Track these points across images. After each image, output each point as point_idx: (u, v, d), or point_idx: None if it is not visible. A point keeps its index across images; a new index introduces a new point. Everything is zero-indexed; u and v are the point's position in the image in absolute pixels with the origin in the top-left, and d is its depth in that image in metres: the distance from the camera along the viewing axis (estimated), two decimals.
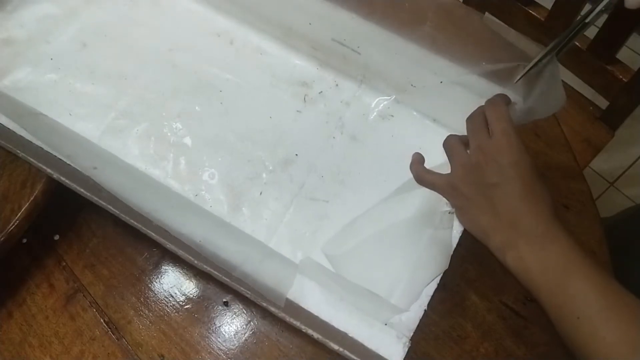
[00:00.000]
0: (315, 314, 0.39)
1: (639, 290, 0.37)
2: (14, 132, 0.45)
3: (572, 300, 0.36)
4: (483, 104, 0.46)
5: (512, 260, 0.39)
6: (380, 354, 0.38)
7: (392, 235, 0.48)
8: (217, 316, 0.49)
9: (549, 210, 0.39)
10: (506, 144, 0.40)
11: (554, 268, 0.37)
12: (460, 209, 0.43)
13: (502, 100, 0.43)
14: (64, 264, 0.51)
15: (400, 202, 0.48)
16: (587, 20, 0.41)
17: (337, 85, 0.59)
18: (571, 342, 0.37)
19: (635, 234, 0.65)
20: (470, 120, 0.43)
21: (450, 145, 0.43)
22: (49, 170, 0.49)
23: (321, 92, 0.58)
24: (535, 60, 0.44)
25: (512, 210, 0.39)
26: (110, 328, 0.48)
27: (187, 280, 0.51)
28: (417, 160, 0.45)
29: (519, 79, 0.45)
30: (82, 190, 0.50)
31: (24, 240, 0.51)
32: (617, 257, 0.54)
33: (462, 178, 0.41)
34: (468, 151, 0.42)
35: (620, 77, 0.76)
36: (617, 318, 0.35)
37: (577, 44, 0.79)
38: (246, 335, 0.49)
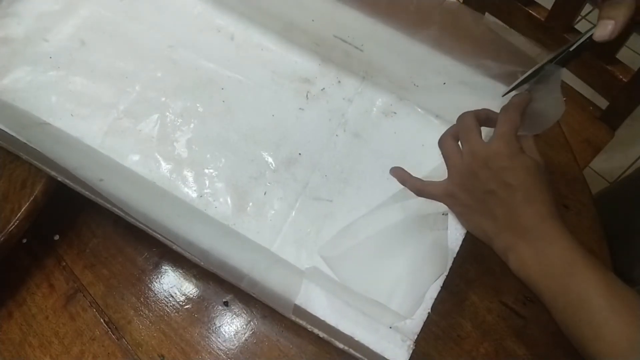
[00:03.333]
0: (322, 318, 0.40)
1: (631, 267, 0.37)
2: (18, 139, 0.45)
3: (573, 304, 0.36)
4: (486, 101, 0.45)
5: (514, 263, 0.39)
6: (386, 356, 0.39)
7: (388, 238, 0.48)
8: (217, 316, 0.49)
9: (548, 210, 0.39)
10: (499, 149, 0.39)
11: (554, 272, 0.37)
12: (461, 215, 0.43)
13: (516, 104, 0.41)
14: (64, 264, 0.51)
15: (395, 205, 0.48)
16: (571, 49, 0.41)
17: (339, 81, 0.59)
18: (575, 342, 0.37)
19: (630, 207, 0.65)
20: (459, 119, 0.42)
21: (445, 148, 0.43)
22: (53, 173, 0.49)
23: (323, 88, 0.58)
24: (518, 81, 0.44)
25: (510, 215, 0.39)
26: (110, 328, 0.48)
27: (187, 280, 0.51)
28: (407, 175, 0.45)
29: (506, 94, 0.45)
30: (87, 192, 0.50)
31: (24, 240, 0.51)
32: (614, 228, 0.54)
33: (458, 185, 0.41)
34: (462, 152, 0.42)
35: (620, 77, 0.76)
36: (616, 318, 0.35)
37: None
38: (246, 335, 0.49)
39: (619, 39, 0.74)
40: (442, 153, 0.43)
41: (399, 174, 0.45)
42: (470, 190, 0.41)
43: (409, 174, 0.45)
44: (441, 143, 0.43)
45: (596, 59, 0.77)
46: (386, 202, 0.48)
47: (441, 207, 0.45)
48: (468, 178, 0.40)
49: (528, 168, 0.39)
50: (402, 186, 0.46)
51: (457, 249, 0.44)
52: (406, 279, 0.45)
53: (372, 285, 0.43)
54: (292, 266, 0.41)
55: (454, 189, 0.42)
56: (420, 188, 0.44)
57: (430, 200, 0.44)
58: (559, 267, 0.37)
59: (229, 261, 0.40)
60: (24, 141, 0.45)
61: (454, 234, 0.44)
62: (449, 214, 0.44)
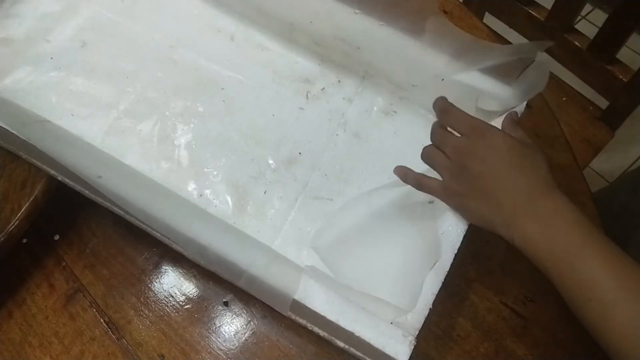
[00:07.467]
0: (322, 314, 0.39)
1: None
2: (18, 136, 0.45)
3: (582, 282, 0.36)
4: (484, 98, 0.47)
5: (519, 240, 0.38)
6: (387, 352, 0.38)
7: (377, 227, 0.48)
8: (217, 316, 0.49)
9: (546, 182, 0.38)
10: (479, 133, 0.40)
11: (561, 247, 0.36)
12: (461, 208, 0.43)
13: (448, 105, 0.43)
14: (64, 264, 0.51)
15: (382, 194, 0.48)
16: None
17: (339, 81, 0.59)
18: (583, 321, 0.37)
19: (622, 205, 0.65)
20: (432, 134, 0.44)
21: (428, 154, 0.44)
22: (52, 172, 0.49)
23: (323, 88, 0.58)
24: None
25: (509, 192, 0.39)
26: (110, 328, 0.48)
27: (187, 280, 0.51)
28: (408, 170, 0.46)
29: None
30: (86, 192, 0.50)
31: (24, 240, 0.51)
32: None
33: (451, 179, 0.42)
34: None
35: (620, 77, 0.76)
36: (627, 296, 0.34)
37: (577, 44, 0.79)
38: (246, 335, 0.49)
39: (619, 39, 0.74)
40: (426, 160, 0.45)
41: (401, 171, 0.46)
42: (463, 181, 0.41)
43: (410, 169, 0.46)
44: (423, 154, 0.45)
45: (596, 59, 0.77)
46: (373, 190, 0.48)
47: (428, 195, 0.45)
48: (458, 170, 0.41)
49: (513, 145, 0.40)
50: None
51: (457, 248, 0.44)
52: (401, 271, 0.45)
53: (367, 277, 0.43)
54: (291, 262, 0.41)
55: (448, 183, 0.42)
56: (420, 181, 0.44)
57: (412, 188, 0.45)
58: (566, 243, 0.36)
59: (228, 257, 0.40)
60: (24, 138, 0.45)
61: (455, 231, 0.44)
62: (451, 213, 0.45)
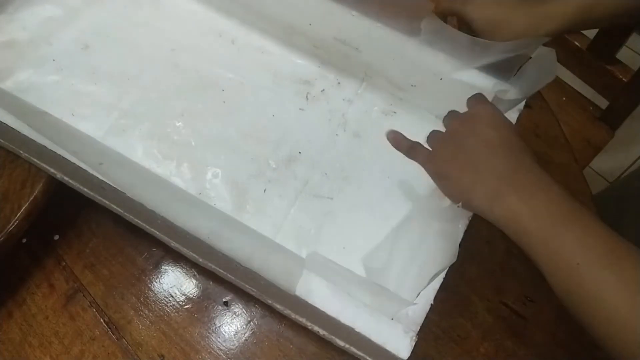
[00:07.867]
0: (322, 309, 0.39)
1: None
2: (18, 131, 0.45)
3: (569, 247, 0.34)
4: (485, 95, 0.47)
5: (500, 210, 0.37)
6: (388, 348, 0.38)
7: (403, 231, 0.47)
8: (217, 316, 0.49)
9: (535, 164, 0.38)
10: (481, 110, 0.41)
11: (547, 215, 0.35)
12: (440, 175, 0.42)
13: (478, 94, 0.45)
14: (64, 264, 0.51)
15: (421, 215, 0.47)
16: None
17: (339, 83, 0.59)
18: (568, 294, 0.35)
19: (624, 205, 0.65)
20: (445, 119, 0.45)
21: (430, 135, 0.44)
22: (52, 170, 0.49)
23: (323, 90, 0.59)
24: None
25: (496, 166, 0.38)
26: (110, 328, 0.48)
27: (187, 280, 0.51)
28: (402, 138, 0.46)
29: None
30: (85, 189, 0.50)
31: (24, 240, 0.51)
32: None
33: (441, 145, 0.42)
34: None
35: (620, 77, 0.76)
36: (618, 262, 0.33)
37: (577, 44, 0.79)
38: (246, 335, 0.49)
39: (619, 39, 0.74)
40: (427, 141, 0.44)
41: (395, 137, 0.46)
42: (451, 146, 0.41)
43: (404, 137, 0.46)
44: (427, 137, 0.44)
45: (596, 59, 0.77)
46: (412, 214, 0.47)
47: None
48: (450, 138, 0.42)
49: (511, 127, 0.41)
50: (400, 182, 0.46)
51: (459, 240, 0.43)
52: (411, 264, 0.44)
53: (383, 278, 0.42)
54: (292, 253, 0.41)
55: (437, 148, 0.43)
56: (412, 147, 0.45)
57: (439, 191, 0.44)
58: (552, 212, 0.35)
59: (227, 249, 0.40)
60: (24, 133, 0.44)
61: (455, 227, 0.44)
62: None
